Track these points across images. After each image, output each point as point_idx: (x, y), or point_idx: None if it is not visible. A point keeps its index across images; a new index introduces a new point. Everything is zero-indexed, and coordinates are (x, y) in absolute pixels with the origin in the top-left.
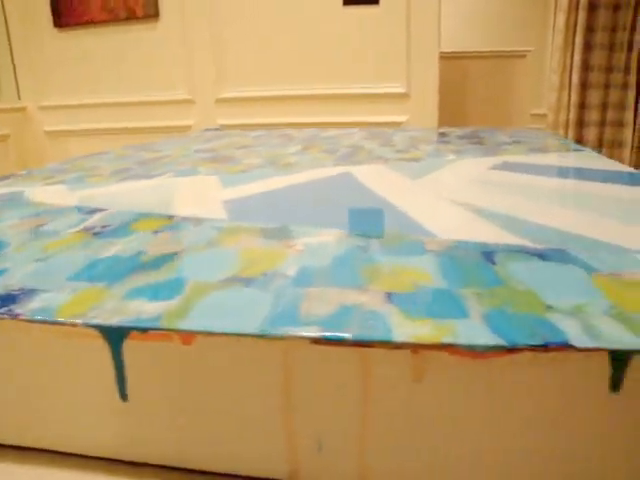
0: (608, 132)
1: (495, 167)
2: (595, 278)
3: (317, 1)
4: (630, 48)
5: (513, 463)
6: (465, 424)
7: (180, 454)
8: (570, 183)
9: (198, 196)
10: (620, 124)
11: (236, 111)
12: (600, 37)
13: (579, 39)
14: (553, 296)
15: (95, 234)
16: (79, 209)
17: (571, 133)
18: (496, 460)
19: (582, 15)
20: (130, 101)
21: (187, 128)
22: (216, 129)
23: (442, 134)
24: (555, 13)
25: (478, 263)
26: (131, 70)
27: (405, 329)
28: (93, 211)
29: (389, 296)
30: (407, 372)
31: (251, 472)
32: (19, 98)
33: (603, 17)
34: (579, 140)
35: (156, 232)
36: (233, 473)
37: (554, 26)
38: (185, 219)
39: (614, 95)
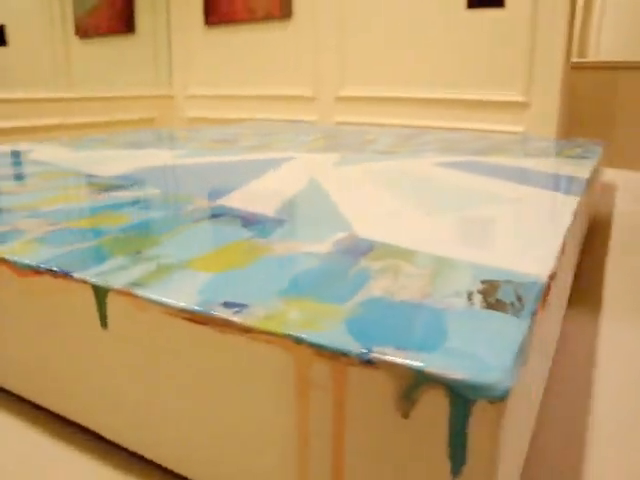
0: None
1: (439, 164)
2: (248, 243)
3: (440, 4)
4: None
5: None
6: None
7: None
8: (480, 180)
9: (152, 165)
10: None
11: (353, 109)
12: None
13: None
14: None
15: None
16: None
17: None
18: None
19: None
20: (259, 94)
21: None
22: (304, 123)
23: (482, 138)
24: None
25: (181, 219)
26: (263, 66)
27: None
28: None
29: (93, 230)
30: None
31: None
32: (171, 87)
33: None
34: None
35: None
36: None
37: None
38: (111, 178)
39: None
